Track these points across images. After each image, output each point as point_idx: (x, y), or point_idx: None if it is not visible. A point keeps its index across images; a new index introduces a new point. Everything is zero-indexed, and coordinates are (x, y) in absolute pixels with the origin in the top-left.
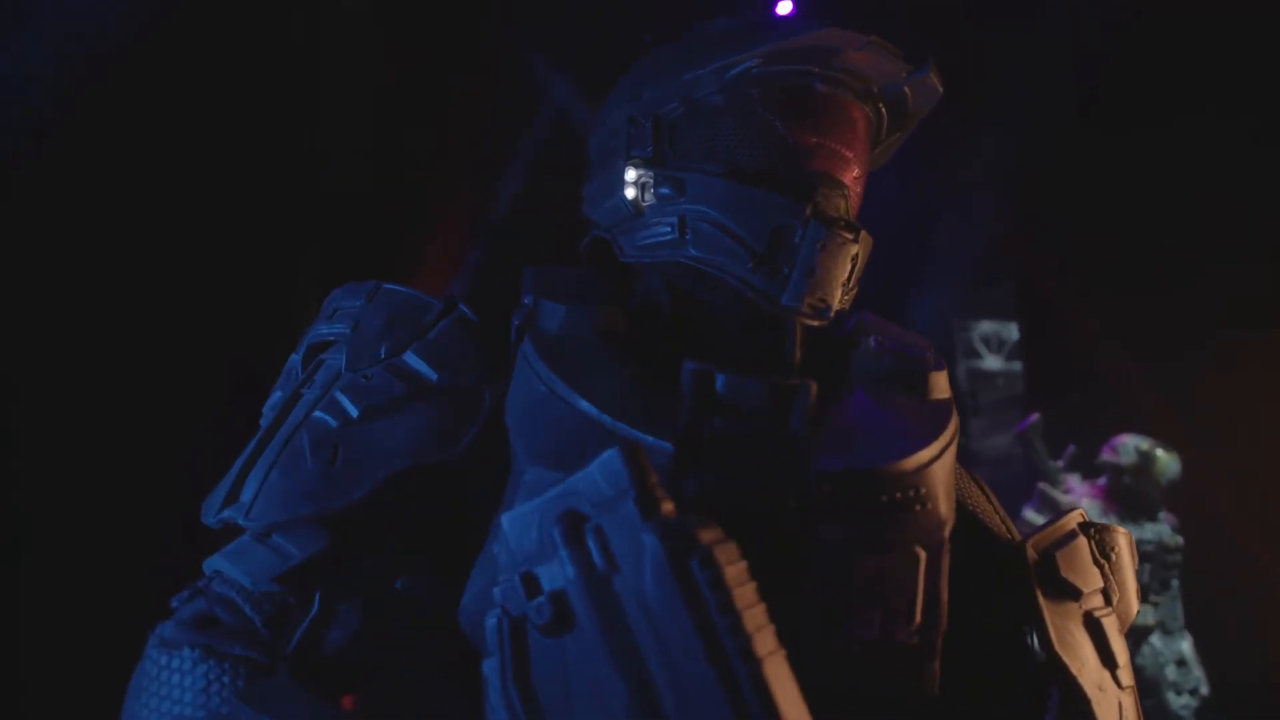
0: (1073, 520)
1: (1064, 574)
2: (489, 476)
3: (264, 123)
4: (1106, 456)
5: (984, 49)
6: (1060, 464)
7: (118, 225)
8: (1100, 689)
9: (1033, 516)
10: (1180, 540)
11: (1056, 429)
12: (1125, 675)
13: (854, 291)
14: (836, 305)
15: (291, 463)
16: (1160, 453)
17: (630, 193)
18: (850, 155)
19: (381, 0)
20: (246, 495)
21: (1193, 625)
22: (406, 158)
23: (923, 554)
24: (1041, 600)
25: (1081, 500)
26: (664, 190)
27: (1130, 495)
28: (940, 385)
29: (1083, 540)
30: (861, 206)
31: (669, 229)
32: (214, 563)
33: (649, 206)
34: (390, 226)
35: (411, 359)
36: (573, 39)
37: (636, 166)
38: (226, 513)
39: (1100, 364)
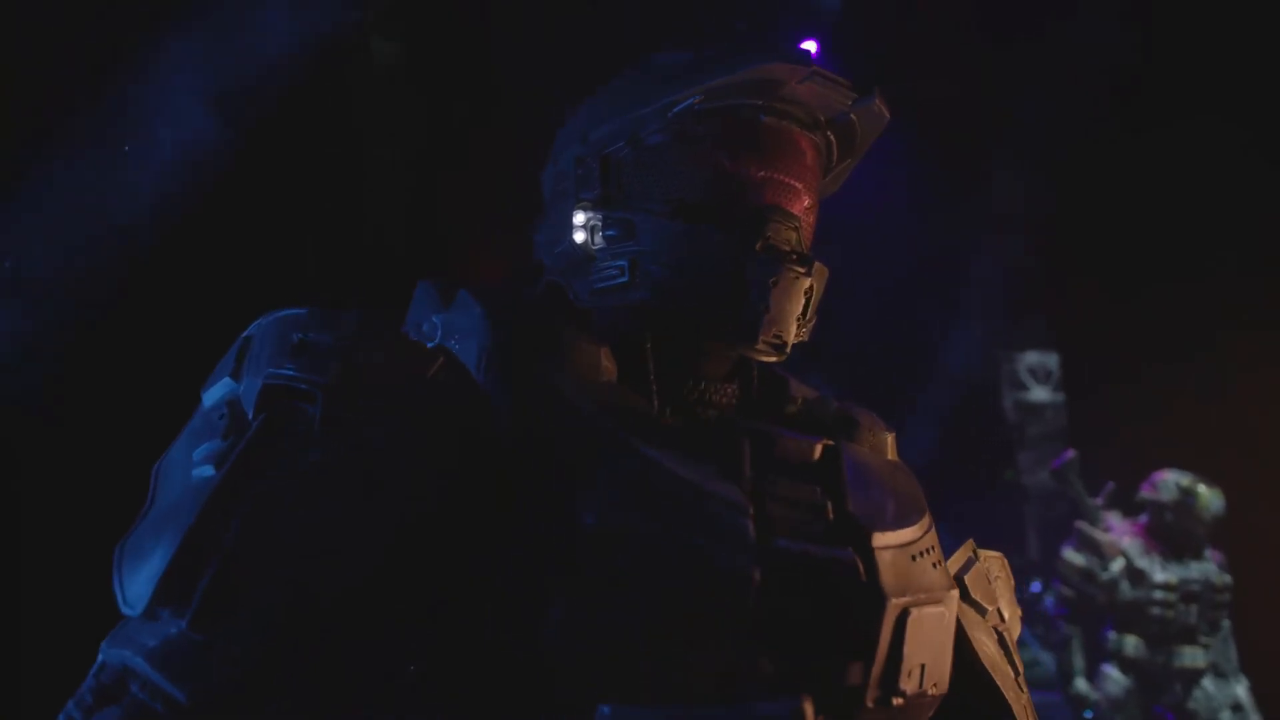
0: (969, 548)
1: (973, 595)
2: (491, 527)
3: (300, 170)
4: (1146, 494)
5: (1004, 74)
6: (1099, 501)
7: (156, 265)
8: (1013, 695)
9: (1072, 556)
10: (1229, 579)
11: (1097, 464)
12: (1023, 681)
13: (811, 323)
14: (792, 339)
15: (257, 551)
16: (1202, 489)
17: (579, 236)
18: (800, 186)
19: (415, 51)
20: (198, 594)
21: (1249, 667)
22: (442, 205)
23: (946, 611)
24: (962, 618)
25: (1123, 539)
26: (611, 232)
27: (1173, 533)
28: (893, 447)
29: (980, 565)
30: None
31: (617, 272)
32: (128, 659)
33: (598, 250)
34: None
35: (403, 419)
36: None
37: (585, 209)
38: (165, 612)
39: (1141, 395)
